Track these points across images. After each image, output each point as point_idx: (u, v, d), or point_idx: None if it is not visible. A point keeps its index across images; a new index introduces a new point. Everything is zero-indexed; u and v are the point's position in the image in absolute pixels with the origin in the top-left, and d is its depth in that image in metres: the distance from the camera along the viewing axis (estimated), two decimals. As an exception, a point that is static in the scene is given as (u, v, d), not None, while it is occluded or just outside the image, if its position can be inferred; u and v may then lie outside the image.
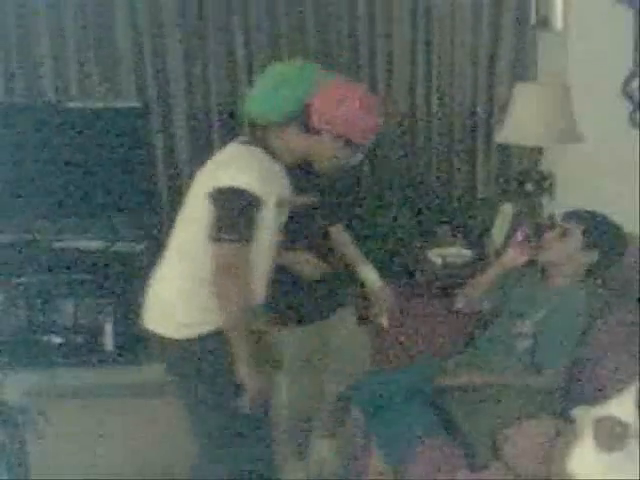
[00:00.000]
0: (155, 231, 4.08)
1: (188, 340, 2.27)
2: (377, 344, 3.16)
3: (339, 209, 2.87)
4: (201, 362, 2.29)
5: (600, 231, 2.62)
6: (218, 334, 2.23)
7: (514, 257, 2.78)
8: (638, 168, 2.92)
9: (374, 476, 2.70)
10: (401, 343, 3.01)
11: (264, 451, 2.43)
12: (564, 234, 2.64)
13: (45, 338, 3.94)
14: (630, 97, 3.03)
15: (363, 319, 3.07)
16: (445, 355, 2.84)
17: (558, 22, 3.67)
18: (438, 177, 4.43)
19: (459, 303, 2.94)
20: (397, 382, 2.71)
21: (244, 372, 2.21)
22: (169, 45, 4.19)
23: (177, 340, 2.29)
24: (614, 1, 3.03)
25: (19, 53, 4.13)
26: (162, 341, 2.32)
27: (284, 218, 2.36)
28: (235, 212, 2.16)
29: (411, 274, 3.82)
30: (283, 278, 2.80)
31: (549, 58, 3.93)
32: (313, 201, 2.60)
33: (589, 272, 2.65)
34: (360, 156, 2.42)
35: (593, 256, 2.61)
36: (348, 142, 2.31)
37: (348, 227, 2.96)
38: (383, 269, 3.85)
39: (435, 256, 3.72)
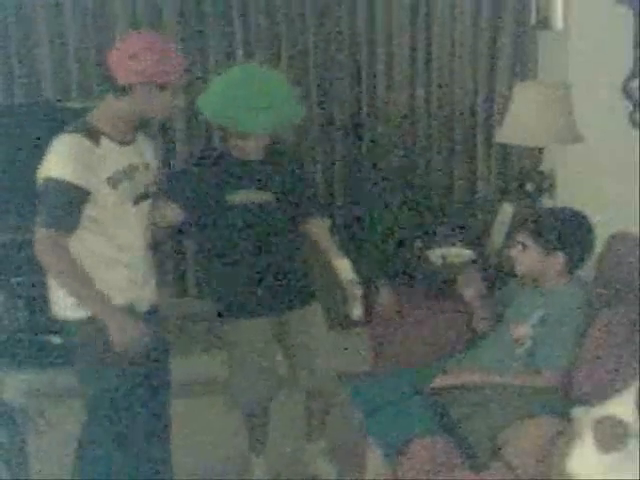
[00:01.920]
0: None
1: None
2: (377, 344, 3.16)
3: (298, 205, 2.86)
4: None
5: (550, 234, 2.59)
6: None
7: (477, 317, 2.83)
8: (638, 168, 2.92)
9: (373, 476, 2.70)
10: (401, 343, 3.01)
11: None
12: (522, 245, 2.63)
13: (45, 338, 3.94)
14: (630, 97, 3.03)
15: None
16: (445, 355, 2.84)
17: (558, 22, 3.67)
18: (438, 177, 4.43)
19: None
20: (397, 382, 2.71)
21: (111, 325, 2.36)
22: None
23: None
24: (614, 1, 3.03)
25: (19, 53, 4.13)
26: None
27: (139, 188, 2.46)
28: (51, 200, 2.29)
29: (411, 274, 3.81)
30: (232, 271, 2.82)
31: (549, 58, 3.93)
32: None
33: (571, 269, 2.63)
34: (181, 98, 2.53)
35: (559, 257, 2.59)
36: (161, 86, 2.36)
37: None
38: (383, 269, 3.87)
39: (435, 256, 3.72)
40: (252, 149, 2.72)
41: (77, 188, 2.27)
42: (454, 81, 4.27)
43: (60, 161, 2.28)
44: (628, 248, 2.68)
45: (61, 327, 2.48)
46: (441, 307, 3.17)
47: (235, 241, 2.77)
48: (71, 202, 2.29)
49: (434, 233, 4.09)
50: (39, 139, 3.84)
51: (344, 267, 2.78)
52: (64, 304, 2.41)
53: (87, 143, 2.32)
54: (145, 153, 2.55)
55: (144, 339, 2.40)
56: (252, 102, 2.60)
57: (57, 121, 3.95)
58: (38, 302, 3.94)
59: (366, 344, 3.40)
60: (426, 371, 2.71)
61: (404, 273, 3.89)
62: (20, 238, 3.99)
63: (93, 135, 2.34)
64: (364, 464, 2.77)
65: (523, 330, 2.61)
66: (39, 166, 2.38)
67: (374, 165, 4.42)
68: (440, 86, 4.31)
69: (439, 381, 2.63)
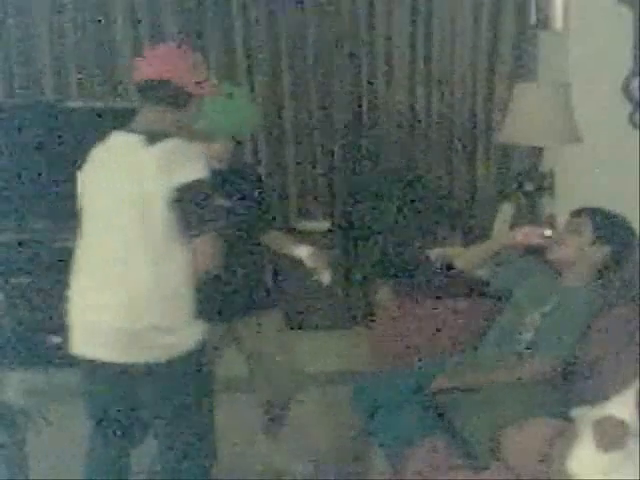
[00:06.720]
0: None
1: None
2: (377, 344, 3.17)
3: (256, 214, 2.87)
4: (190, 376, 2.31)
5: (610, 225, 2.60)
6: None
7: (515, 237, 2.79)
8: (638, 168, 2.93)
9: (374, 476, 2.70)
10: (401, 343, 3.00)
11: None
12: (575, 229, 2.63)
13: (45, 338, 3.94)
14: (630, 97, 3.04)
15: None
16: (445, 355, 2.84)
17: (558, 22, 3.67)
18: (438, 177, 4.43)
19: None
20: (397, 382, 2.71)
21: None
22: (169, 45, 4.20)
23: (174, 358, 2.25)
24: (614, 1, 3.04)
25: (19, 53, 4.14)
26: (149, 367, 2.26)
27: None
28: (208, 202, 2.19)
29: (411, 274, 3.82)
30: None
31: (549, 58, 3.93)
32: None
33: (601, 270, 2.64)
34: None
35: (605, 251, 2.59)
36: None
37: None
38: (383, 269, 3.87)
39: (435, 256, 3.72)
40: (218, 154, 2.75)
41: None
42: (454, 81, 4.28)
43: (199, 162, 2.20)
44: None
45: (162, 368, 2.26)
46: (441, 307, 3.17)
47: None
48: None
49: (434, 233, 4.10)
50: (39, 139, 3.89)
51: (303, 248, 2.83)
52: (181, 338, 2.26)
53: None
54: None
55: None
56: (212, 107, 2.62)
57: (57, 121, 4.02)
58: (38, 302, 3.95)
59: (366, 344, 3.40)
60: (426, 371, 2.71)
61: (404, 273, 3.89)
62: (20, 238, 4.00)
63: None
64: (365, 465, 2.77)
65: (530, 319, 2.61)
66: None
67: (374, 165, 4.43)
68: (440, 86, 4.32)
69: (439, 381, 2.62)
